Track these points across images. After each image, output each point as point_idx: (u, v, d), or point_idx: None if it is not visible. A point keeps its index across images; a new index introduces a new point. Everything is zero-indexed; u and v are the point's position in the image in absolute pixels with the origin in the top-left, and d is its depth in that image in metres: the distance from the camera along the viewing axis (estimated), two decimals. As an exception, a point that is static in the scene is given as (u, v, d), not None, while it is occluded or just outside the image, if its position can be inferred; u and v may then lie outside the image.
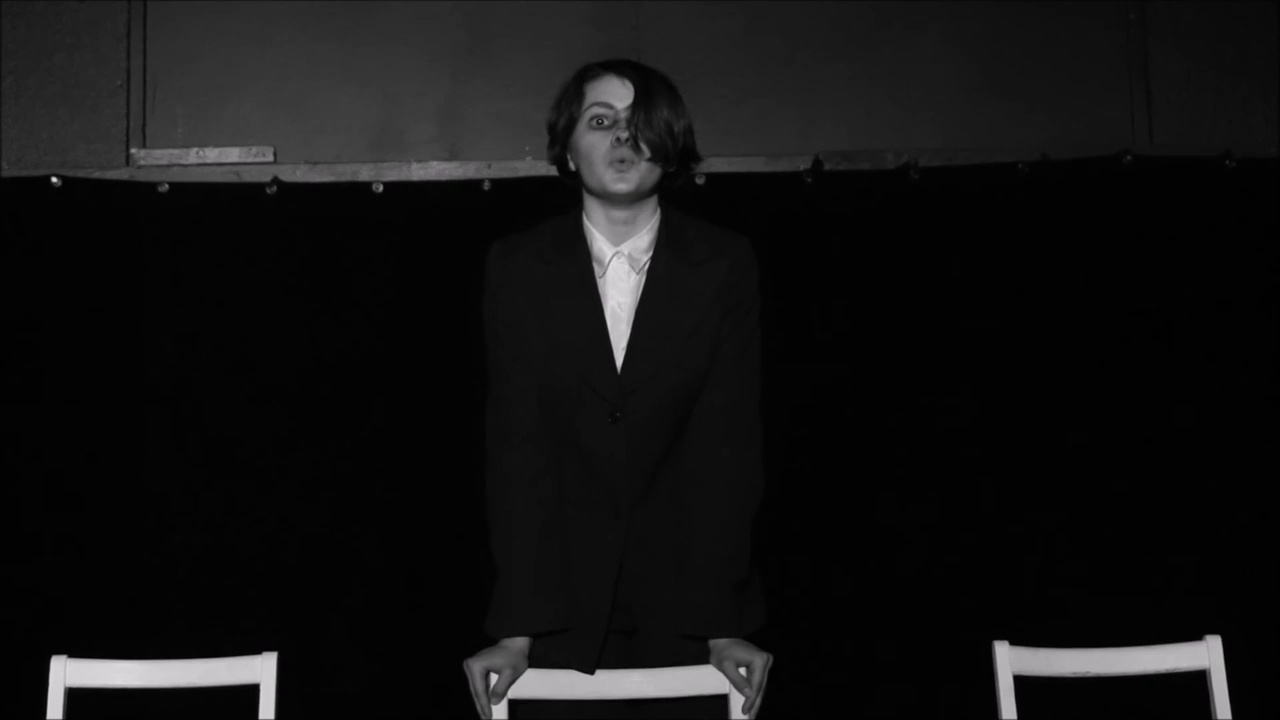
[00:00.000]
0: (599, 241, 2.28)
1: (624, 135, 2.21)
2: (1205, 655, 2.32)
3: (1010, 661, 2.28)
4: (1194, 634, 2.33)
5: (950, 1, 3.73)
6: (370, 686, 3.37)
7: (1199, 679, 2.33)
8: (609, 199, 2.25)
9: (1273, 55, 3.71)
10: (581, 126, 2.25)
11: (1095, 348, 3.48)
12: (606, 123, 2.23)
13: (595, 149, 2.23)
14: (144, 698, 2.34)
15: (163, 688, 2.31)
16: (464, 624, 2.47)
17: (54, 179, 3.46)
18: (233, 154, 3.62)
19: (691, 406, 2.26)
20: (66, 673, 2.26)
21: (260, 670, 2.28)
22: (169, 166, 3.60)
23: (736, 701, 2.20)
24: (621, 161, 2.21)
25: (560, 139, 2.29)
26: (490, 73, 3.69)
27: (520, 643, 2.23)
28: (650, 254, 2.27)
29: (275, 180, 3.51)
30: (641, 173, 2.22)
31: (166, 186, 3.49)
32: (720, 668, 2.22)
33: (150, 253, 3.46)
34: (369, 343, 3.45)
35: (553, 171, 2.36)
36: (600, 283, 2.26)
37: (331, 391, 3.44)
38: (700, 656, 2.24)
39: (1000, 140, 3.66)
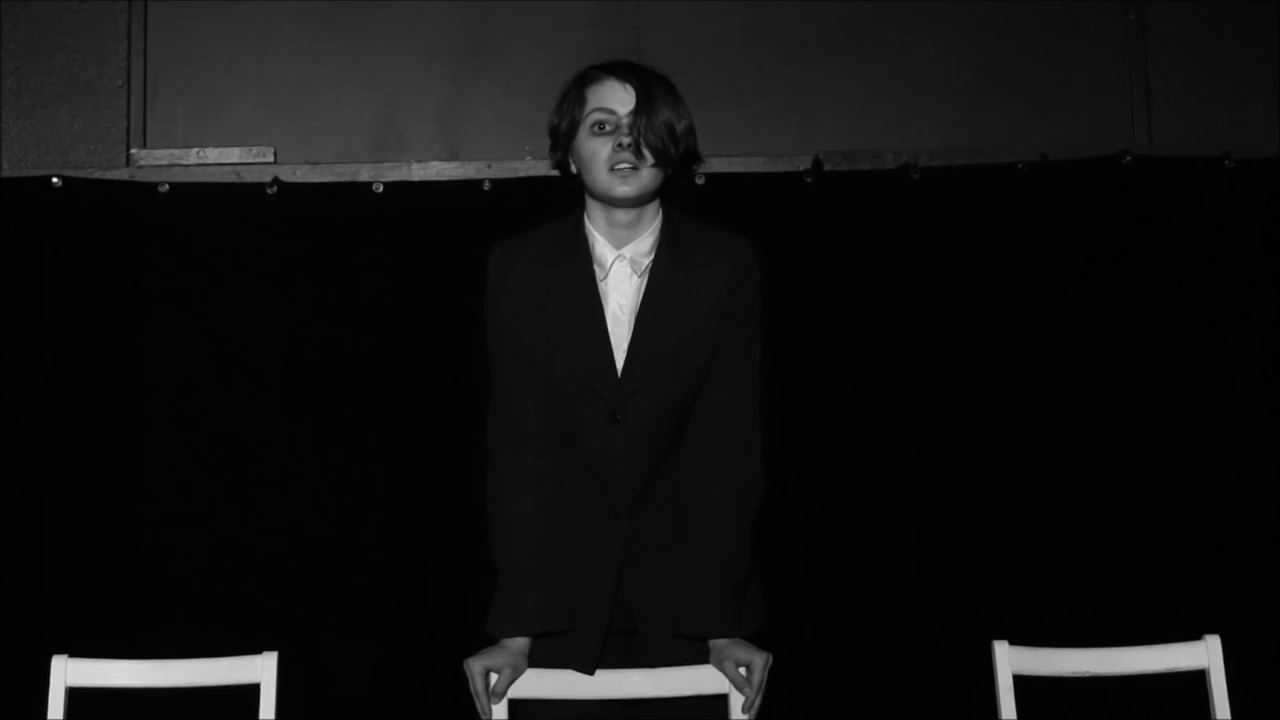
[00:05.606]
0: (600, 244, 2.27)
1: (626, 141, 2.21)
2: (1204, 655, 2.32)
3: (1010, 661, 2.28)
4: (1193, 633, 2.34)
5: (950, 2, 3.72)
6: (370, 686, 3.37)
7: (1198, 679, 2.32)
8: (612, 204, 2.25)
9: (1273, 55, 3.71)
10: (583, 132, 2.24)
11: (1095, 348, 3.48)
12: (609, 128, 2.22)
13: (597, 155, 2.22)
14: (144, 698, 2.34)
15: (163, 688, 2.31)
16: (464, 624, 2.47)
17: (54, 179, 3.46)
18: (233, 154, 3.62)
19: (691, 408, 2.26)
20: (66, 673, 2.26)
21: (260, 670, 2.28)
22: (169, 166, 3.60)
23: (736, 701, 2.21)
24: (624, 167, 2.21)
25: (562, 143, 2.28)
26: (490, 73, 3.69)
27: (520, 643, 2.23)
28: (652, 257, 2.27)
29: (275, 180, 3.51)
30: (644, 178, 2.22)
31: (167, 186, 3.49)
32: (720, 668, 2.22)
33: (150, 253, 3.46)
34: (369, 343, 3.45)
35: (553, 172, 2.35)
36: (601, 285, 2.26)
37: (331, 391, 3.44)
38: (700, 656, 2.24)
39: (1000, 140, 3.65)
